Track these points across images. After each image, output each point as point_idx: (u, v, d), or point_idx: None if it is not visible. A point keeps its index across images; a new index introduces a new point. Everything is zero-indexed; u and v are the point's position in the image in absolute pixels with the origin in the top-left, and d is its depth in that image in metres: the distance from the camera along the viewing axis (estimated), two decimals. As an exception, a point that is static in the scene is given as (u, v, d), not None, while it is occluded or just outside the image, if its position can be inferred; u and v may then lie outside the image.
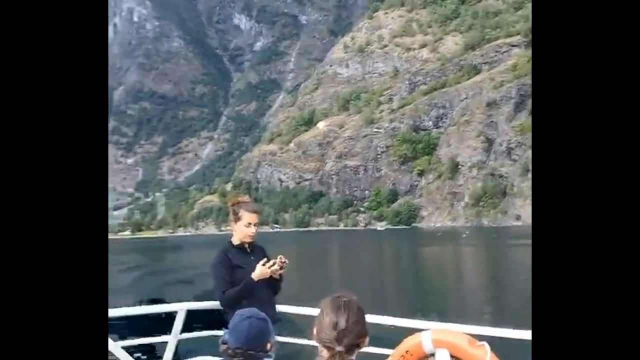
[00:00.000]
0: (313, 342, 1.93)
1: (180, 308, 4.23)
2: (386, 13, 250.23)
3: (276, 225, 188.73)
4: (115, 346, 3.90)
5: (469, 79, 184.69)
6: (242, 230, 4.02)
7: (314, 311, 3.79)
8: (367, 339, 1.94)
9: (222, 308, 4.01)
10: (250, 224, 4.01)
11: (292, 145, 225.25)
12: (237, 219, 4.03)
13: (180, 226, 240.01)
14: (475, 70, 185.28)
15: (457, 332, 2.97)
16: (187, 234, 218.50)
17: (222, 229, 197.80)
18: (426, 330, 2.95)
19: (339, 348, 1.86)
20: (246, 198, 4.24)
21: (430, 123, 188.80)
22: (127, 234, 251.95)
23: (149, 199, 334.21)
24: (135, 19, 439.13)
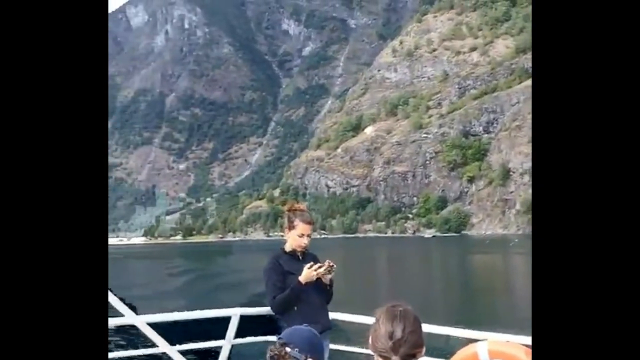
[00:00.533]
0: (366, 350, 1.92)
1: (234, 313, 4.28)
2: (435, 16, 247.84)
3: (323, 232, 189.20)
4: (171, 350, 3.96)
5: (520, 82, 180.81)
6: (294, 239, 4.03)
7: (366, 319, 3.95)
8: (423, 349, 1.93)
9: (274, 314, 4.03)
10: (303, 234, 4.01)
11: (339, 151, 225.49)
12: (292, 227, 4.03)
13: (229, 231, 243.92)
14: (527, 74, 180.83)
15: (514, 343, 2.95)
16: (236, 239, 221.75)
17: (270, 234, 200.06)
18: (482, 340, 2.93)
19: (395, 358, 1.86)
20: (303, 206, 4.22)
21: (481, 128, 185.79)
22: (178, 238, 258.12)
23: (200, 204, 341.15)
24: (186, 26, 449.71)
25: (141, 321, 3.75)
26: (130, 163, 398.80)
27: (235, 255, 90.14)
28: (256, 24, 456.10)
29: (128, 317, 3.63)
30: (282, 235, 4.20)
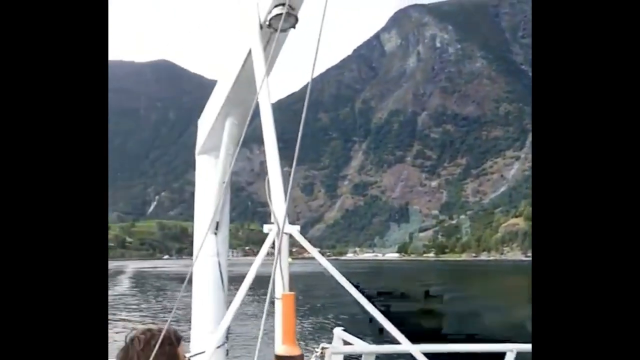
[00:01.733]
0: None
1: (510, 349, 3.90)
2: None
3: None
4: None
5: None
6: None
7: None
8: None
9: None
10: None
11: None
12: None
13: (483, 250, 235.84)
14: None
15: None
16: (491, 258, 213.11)
17: (529, 254, 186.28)
18: None
19: None
20: None
21: None
22: (431, 255, 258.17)
23: (453, 222, 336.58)
24: (438, 44, 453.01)
25: (416, 350, 3.45)
26: (384, 181, 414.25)
27: (492, 277, 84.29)
28: (511, 34, 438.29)
29: (405, 345, 3.36)
30: None
